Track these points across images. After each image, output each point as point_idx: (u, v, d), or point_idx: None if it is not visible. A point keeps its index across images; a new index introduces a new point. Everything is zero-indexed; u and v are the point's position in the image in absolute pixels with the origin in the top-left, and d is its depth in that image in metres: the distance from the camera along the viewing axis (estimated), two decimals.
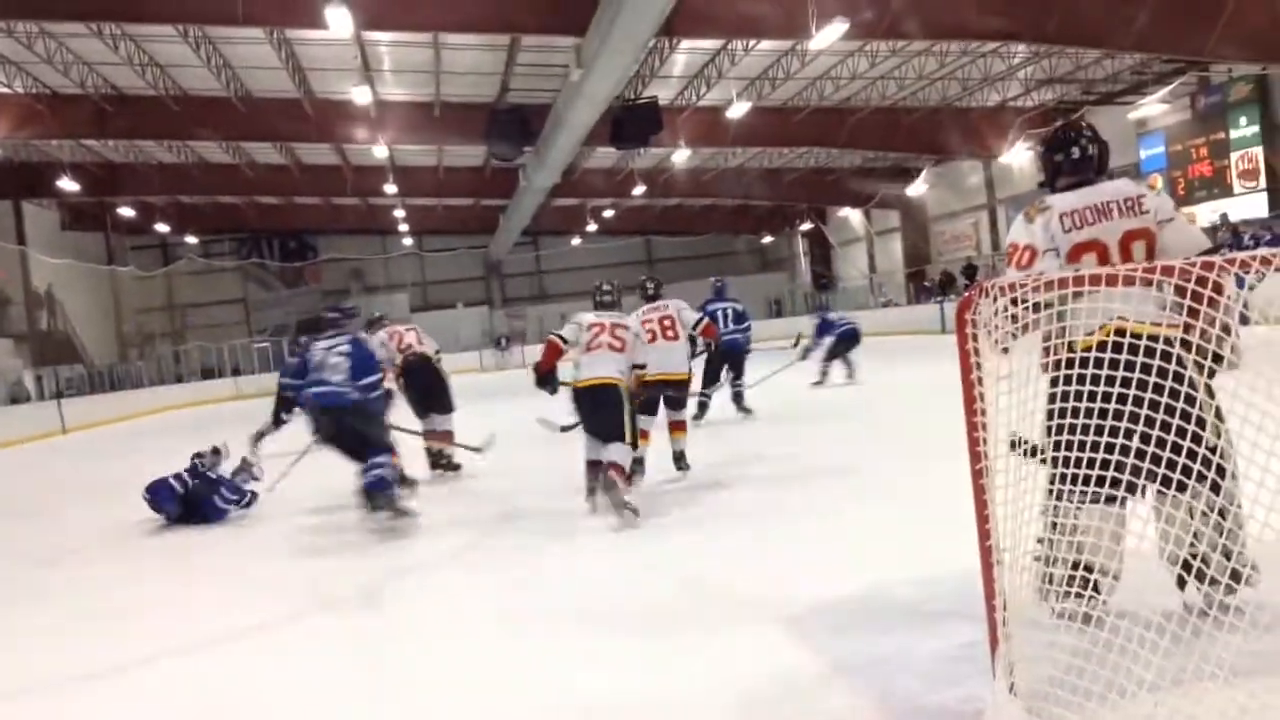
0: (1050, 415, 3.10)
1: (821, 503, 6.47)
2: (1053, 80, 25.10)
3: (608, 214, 41.36)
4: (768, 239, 48.10)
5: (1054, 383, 3.07)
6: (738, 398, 11.59)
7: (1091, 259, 3.40)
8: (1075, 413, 2.87)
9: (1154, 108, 24.48)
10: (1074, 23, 18.62)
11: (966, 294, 2.86)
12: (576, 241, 45.62)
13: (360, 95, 21.32)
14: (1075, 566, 3.10)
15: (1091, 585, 2.97)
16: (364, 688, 3.82)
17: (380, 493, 6.81)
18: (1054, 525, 3.11)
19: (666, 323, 8.08)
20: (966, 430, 2.80)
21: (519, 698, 3.55)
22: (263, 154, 30.36)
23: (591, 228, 42.72)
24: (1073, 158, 3.64)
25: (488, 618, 4.62)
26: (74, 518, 9.26)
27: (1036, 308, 2.78)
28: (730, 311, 11.52)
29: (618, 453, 6.54)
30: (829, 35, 17.33)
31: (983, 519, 2.80)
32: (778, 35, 19.53)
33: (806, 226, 43.93)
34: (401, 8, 17.25)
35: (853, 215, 40.81)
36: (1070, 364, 2.92)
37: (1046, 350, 3.05)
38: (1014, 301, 2.75)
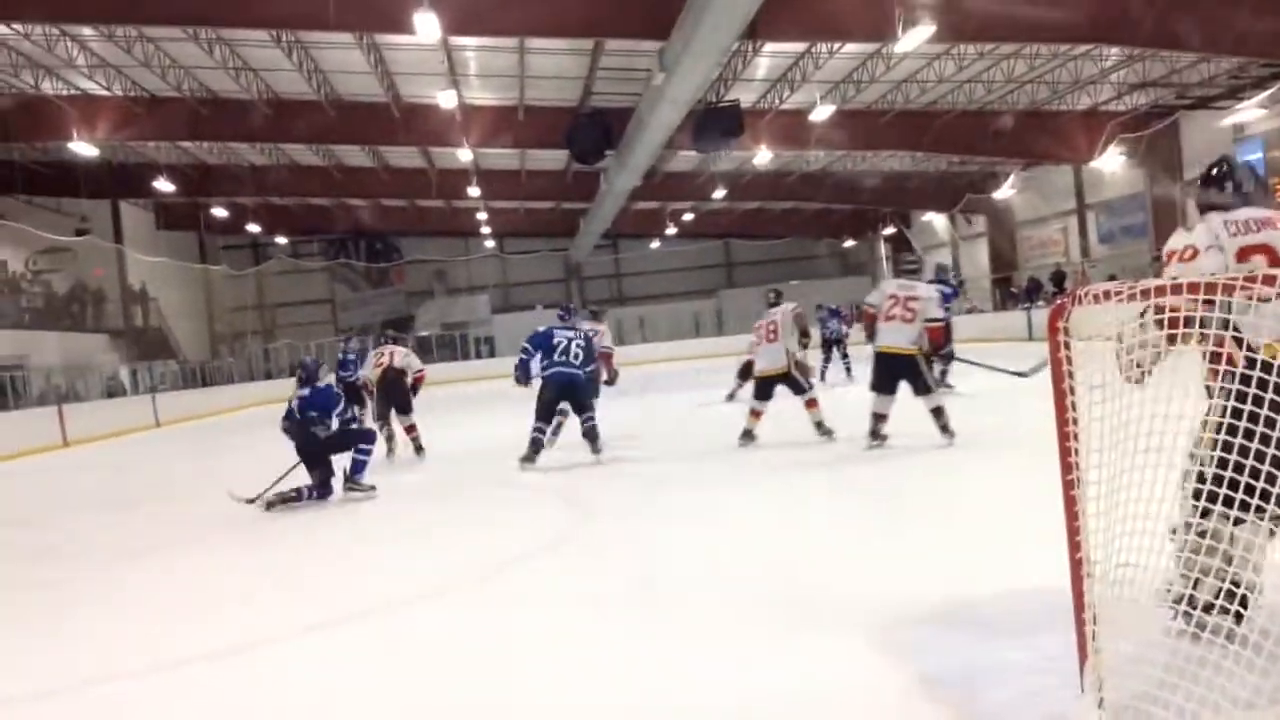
0: (1219, 427, 2.95)
1: (906, 511, 6.41)
2: (1146, 84, 24.47)
3: (687, 217, 41.36)
4: (849, 243, 47.62)
5: (1230, 394, 2.93)
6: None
7: (1261, 260, 3.29)
8: (1260, 420, 2.70)
9: (1251, 113, 23.75)
10: (1168, 25, 18.12)
11: (1059, 302, 2.81)
12: (656, 244, 45.69)
13: (446, 99, 21.63)
14: (1228, 583, 2.96)
15: (1240, 600, 2.89)
16: (436, 681, 3.88)
17: (597, 436, 9.61)
18: (1206, 541, 2.95)
19: (771, 327, 9.82)
20: (1058, 440, 2.76)
21: (599, 691, 3.58)
22: (351, 157, 31.01)
23: (671, 231, 42.74)
24: (1227, 192, 3.59)
25: (555, 604, 4.66)
26: (166, 511, 9.54)
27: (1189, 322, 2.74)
28: None
29: (930, 401, 8.49)
30: (915, 38, 17.14)
31: (1073, 530, 2.75)
32: (863, 38, 19.37)
33: (889, 231, 43.44)
34: (487, 13, 17.47)
35: (937, 220, 40.25)
36: (1253, 365, 2.84)
37: (1214, 356, 2.95)
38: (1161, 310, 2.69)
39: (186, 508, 9.47)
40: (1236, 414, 2.79)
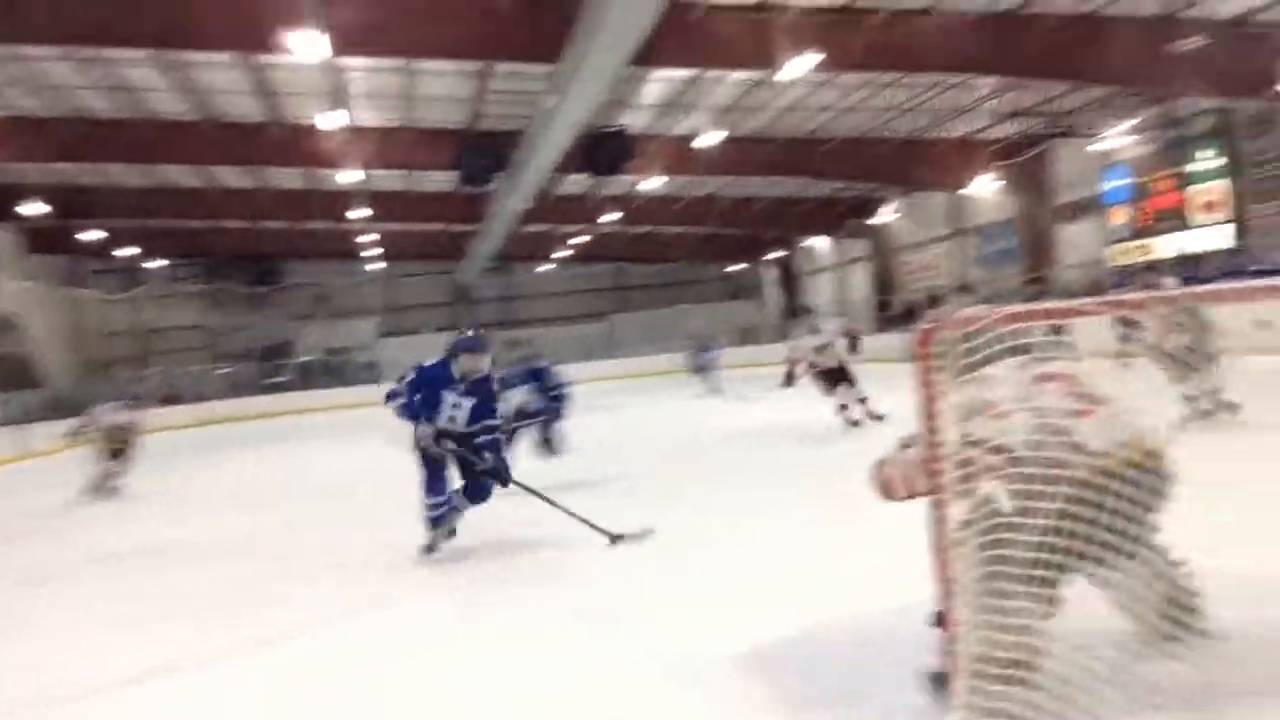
0: (1060, 531, 2.90)
1: (788, 532, 6.47)
2: (1019, 113, 25.42)
3: (579, 240, 41.37)
4: (738, 267, 48.28)
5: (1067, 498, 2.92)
6: None
7: (1054, 386, 3.24)
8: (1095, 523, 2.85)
9: (1118, 140, 24.84)
10: (1040, 56, 18.89)
11: (927, 326, 2.88)
12: (547, 267, 45.59)
13: (330, 120, 21.26)
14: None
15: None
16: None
17: None
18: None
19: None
20: (927, 460, 2.83)
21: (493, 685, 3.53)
22: (231, 178, 30.20)
23: (562, 254, 42.71)
24: None
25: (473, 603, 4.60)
26: (50, 543, 9.19)
27: None
28: None
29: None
30: (800, 67, 17.48)
31: (942, 549, 2.82)
32: (750, 66, 19.66)
33: (775, 255, 44.17)
34: (374, 34, 17.21)
35: (821, 244, 41.07)
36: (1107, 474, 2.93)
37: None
38: None
39: (71, 539, 9.11)
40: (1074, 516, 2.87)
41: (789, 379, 12.79)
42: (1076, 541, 2.84)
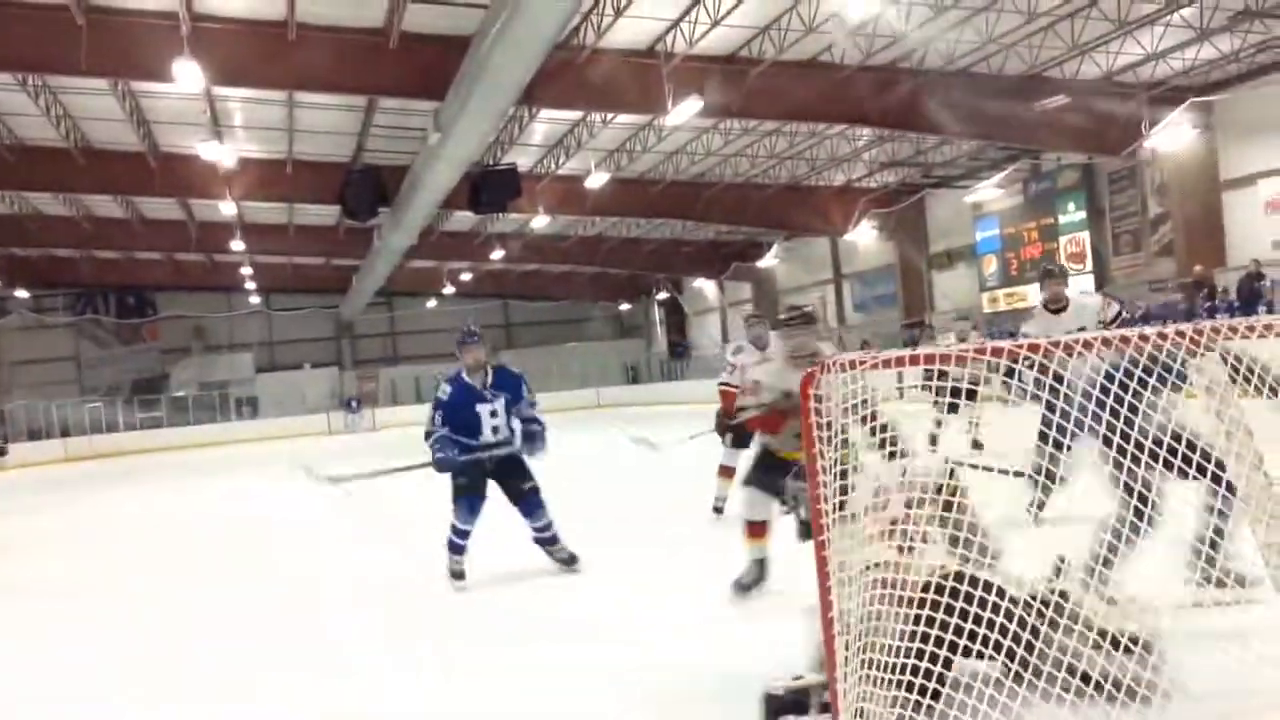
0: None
1: (674, 577, 6.46)
2: (895, 163, 26.30)
3: (465, 277, 41.12)
4: (625, 306, 48.62)
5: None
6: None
7: None
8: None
9: (989, 192, 25.89)
10: (912, 110, 19.58)
11: (810, 370, 2.93)
12: (432, 303, 45.14)
13: (208, 151, 20.71)
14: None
15: None
16: None
17: None
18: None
19: None
20: (810, 502, 2.87)
21: None
22: (102, 207, 29.14)
23: (448, 290, 42.35)
24: None
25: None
26: None
27: None
28: None
29: None
30: (684, 112, 17.79)
31: (825, 590, 2.86)
32: (634, 110, 19.93)
33: (663, 295, 44.66)
34: (254, 65, 16.85)
35: (707, 285, 41.69)
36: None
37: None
38: None
39: None
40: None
41: (726, 421, 7.70)
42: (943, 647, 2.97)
